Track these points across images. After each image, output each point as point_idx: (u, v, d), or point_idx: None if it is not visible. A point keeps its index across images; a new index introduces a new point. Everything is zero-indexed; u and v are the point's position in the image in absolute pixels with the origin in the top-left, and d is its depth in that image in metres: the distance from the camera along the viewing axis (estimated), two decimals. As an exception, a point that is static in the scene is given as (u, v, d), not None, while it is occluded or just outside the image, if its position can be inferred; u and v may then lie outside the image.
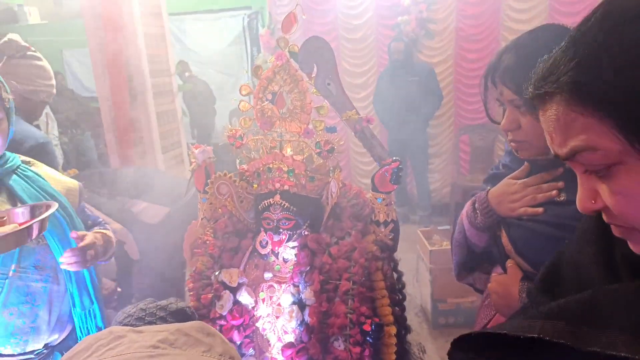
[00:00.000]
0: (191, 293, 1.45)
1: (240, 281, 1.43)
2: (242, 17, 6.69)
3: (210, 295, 1.41)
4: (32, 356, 1.27)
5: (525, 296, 0.96)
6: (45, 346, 1.31)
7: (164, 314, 0.87)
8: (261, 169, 1.46)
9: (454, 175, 5.09)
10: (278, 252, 1.44)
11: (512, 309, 0.99)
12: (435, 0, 4.66)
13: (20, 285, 1.22)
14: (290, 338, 1.39)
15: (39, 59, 2.11)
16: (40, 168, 1.41)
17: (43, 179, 1.37)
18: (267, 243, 1.46)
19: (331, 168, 1.42)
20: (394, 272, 1.51)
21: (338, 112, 1.38)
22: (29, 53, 2.07)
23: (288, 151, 1.43)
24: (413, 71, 4.42)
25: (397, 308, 1.46)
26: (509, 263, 1.07)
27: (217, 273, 1.43)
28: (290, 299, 1.39)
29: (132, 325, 0.83)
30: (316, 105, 1.39)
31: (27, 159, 1.41)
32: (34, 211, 1.18)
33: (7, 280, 1.19)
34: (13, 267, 1.21)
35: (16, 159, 1.34)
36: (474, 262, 1.22)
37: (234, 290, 1.42)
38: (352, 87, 5.13)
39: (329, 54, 1.37)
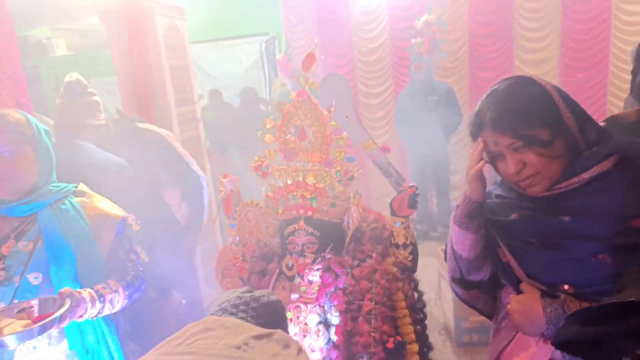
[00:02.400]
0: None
1: (269, 303, 1.52)
2: (259, 43, 6.91)
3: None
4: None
5: (550, 311, 1.02)
6: None
7: (256, 305, 0.96)
8: (286, 196, 1.56)
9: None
10: (303, 274, 1.53)
11: (537, 326, 1.04)
12: (447, 22, 4.77)
13: None
14: (317, 356, 1.47)
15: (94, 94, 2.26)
16: (91, 199, 1.48)
17: (77, 213, 1.41)
18: (292, 265, 1.55)
19: (351, 194, 1.51)
20: (414, 292, 1.59)
21: (356, 143, 1.48)
22: (89, 90, 2.23)
23: (310, 179, 1.52)
24: (433, 91, 4.52)
25: (418, 327, 1.53)
26: (524, 284, 1.12)
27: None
28: (317, 319, 1.47)
29: (227, 310, 0.93)
30: (336, 137, 1.49)
31: (84, 189, 1.50)
32: (45, 305, 1.24)
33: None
34: (15, 301, 1.28)
35: (58, 192, 1.41)
36: (463, 278, 1.25)
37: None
38: (369, 107, 5.25)
39: (346, 89, 1.47)
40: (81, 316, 1.30)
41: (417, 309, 1.56)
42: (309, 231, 1.50)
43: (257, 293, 1.01)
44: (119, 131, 2.44)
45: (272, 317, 0.98)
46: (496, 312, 1.26)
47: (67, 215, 1.39)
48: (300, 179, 1.53)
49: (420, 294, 1.60)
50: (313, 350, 1.49)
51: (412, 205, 1.47)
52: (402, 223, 1.51)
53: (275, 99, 6.81)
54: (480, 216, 1.15)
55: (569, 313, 0.99)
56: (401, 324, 1.45)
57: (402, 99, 4.72)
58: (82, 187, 1.52)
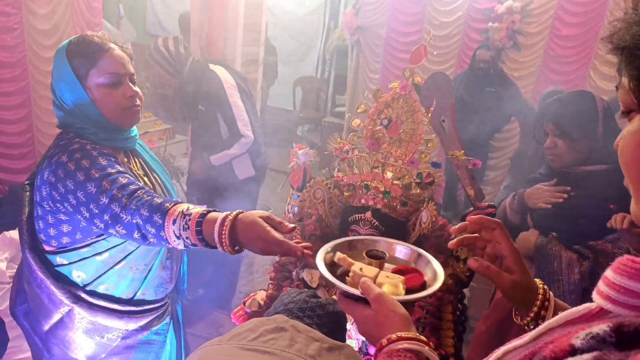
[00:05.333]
0: (272, 282, 1.57)
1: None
2: (327, -12, 6.65)
3: (288, 288, 1.53)
4: (165, 302, 1.49)
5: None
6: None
7: (322, 312, 0.98)
8: (358, 183, 1.53)
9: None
10: (356, 263, 1.53)
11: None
12: (531, 13, 4.50)
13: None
14: (354, 344, 1.50)
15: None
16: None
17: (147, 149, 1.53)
18: (347, 251, 1.55)
19: (426, 198, 1.48)
20: (459, 304, 1.59)
21: (445, 149, 1.43)
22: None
23: (388, 174, 1.49)
24: (492, 82, 4.33)
25: (456, 339, 1.53)
26: None
27: (300, 270, 1.54)
28: (362, 311, 1.49)
29: (293, 312, 0.96)
30: (425, 138, 1.44)
31: None
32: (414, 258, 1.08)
33: None
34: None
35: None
36: None
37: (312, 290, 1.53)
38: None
39: (449, 92, 1.40)
40: None
41: (460, 322, 1.56)
42: (374, 224, 1.48)
43: (323, 300, 1.02)
44: (191, 69, 2.41)
45: (334, 326, 1.00)
46: None
47: (148, 150, 1.51)
48: (378, 170, 1.50)
49: (465, 307, 1.60)
50: (350, 338, 1.51)
51: (486, 225, 1.44)
52: (468, 238, 1.48)
53: (329, 50, 6.61)
54: None
55: None
56: (443, 336, 1.46)
57: (457, 82, 4.53)
58: None
